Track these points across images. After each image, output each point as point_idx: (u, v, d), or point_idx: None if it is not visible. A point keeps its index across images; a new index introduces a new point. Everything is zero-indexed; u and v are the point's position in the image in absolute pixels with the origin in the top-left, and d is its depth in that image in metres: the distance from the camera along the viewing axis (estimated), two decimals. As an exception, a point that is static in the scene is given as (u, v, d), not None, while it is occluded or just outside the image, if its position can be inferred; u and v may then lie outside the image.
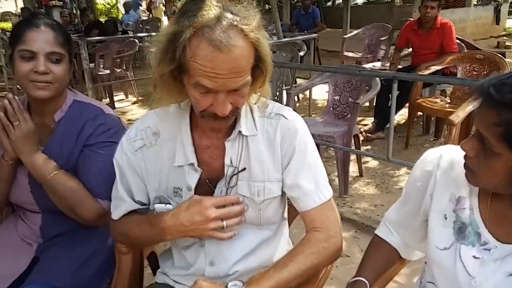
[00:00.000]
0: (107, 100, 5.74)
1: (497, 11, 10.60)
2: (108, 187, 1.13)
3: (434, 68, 3.59)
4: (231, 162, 1.00)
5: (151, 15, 11.81)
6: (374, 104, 4.09)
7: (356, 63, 5.43)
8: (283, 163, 1.02)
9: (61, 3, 11.52)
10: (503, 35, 10.50)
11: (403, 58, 4.52)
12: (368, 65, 5.01)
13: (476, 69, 3.49)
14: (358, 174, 3.23)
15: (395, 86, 2.43)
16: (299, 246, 1.00)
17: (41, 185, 1.20)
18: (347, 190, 2.93)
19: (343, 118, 3.18)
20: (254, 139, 1.01)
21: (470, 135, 0.82)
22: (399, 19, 6.01)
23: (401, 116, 4.35)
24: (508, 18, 11.37)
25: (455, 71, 3.65)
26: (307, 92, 4.29)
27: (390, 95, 3.13)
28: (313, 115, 4.41)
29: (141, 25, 8.94)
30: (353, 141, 2.97)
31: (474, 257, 0.87)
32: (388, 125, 3.18)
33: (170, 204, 1.01)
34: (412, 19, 4.46)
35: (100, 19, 10.79)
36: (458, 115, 2.51)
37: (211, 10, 0.80)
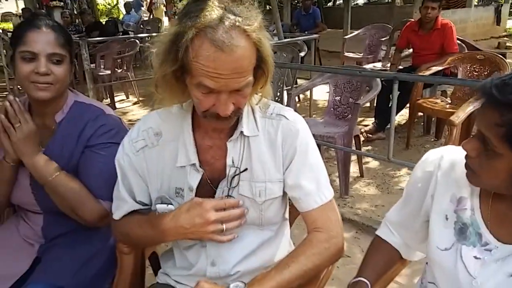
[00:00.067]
0: (108, 100, 5.74)
1: (497, 12, 10.60)
2: (110, 188, 1.13)
3: (434, 69, 3.59)
4: (233, 162, 1.00)
5: (151, 15, 11.81)
6: (375, 104, 4.09)
7: (356, 64, 5.43)
8: (284, 164, 1.02)
9: (62, 3, 11.53)
10: (504, 36, 10.49)
11: (404, 58, 4.53)
12: (368, 66, 5.01)
13: (477, 70, 3.49)
14: (359, 175, 3.23)
15: (396, 86, 2.43)
16: (301, 246, 1.00)
17: (42, 186, 1.20)
18: (347, 191, 2.93)
19: (343, 119, 3.18)
20: (255, 140, 1.01)
21: (471, 136, 0.83)
22: (399, 20, 6.01)
23: (401, 116, 4.35)
24: (508, 19, 11.37)
25: (455, 71, 3.66)
26: (308, 93, 4.29)
27: (390, 96, 3.13)
28: (313, 116, 4.42)
29: (141, 26, 8.94)
30: (353, 141, 2.97)
31: (475, 257, 0.87)
32: (388, 126, 3.19)
33: (172, 204, 1.01)
34: (412, 20, 4.46)
35: (101, 20, 10.80)
36: (459, 116, 2.51)
37: (213, 11, 0.80)
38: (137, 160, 1.04)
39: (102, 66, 5.92)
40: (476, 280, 0.86)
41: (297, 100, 4.67)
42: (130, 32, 8.78)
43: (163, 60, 0.86)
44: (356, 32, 6.05)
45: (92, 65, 5.15)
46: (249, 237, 1.05)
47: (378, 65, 5.10)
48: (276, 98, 3.69)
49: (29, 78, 1.15)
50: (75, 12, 10.56)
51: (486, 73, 3.40)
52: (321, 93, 4.98)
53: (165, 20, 11.23)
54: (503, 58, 3.35)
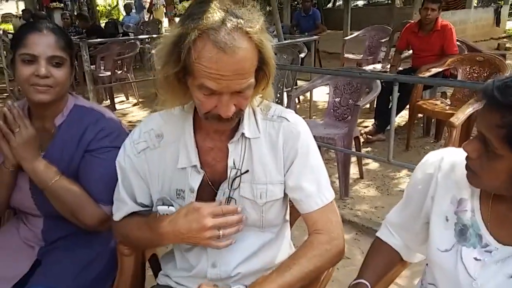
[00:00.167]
0: (108, 102, 5.76)
1: (497, 13, 10.61)
2: (110, 192, 1.13)
3: (434, 70, 3.60)
4: (234, 164, 1.00)
5: (151, 16, 11.82)
6: (375, 106, 4.09)
7: (356, 65, 5.43)
8: (285, 166, 1.02)
9: (62, 5, 11.55)
10: (503, 37, 10.50)
11: (404, 60, 4.53)
12: (368, 67, 5.02)
13: (477, 71, 3.50)
14: (359, 176, 3.23)
15: (396, 88, 2.43)
16: (302, 249, 1.00)
17: (42, 190, 1.19)
18: (347, 192, 2.93)
19: (343, 120, 3.18)
20: (256, 142, 1.01)
21: (471, 137, 0.83)
22: (399, 21, 6.03)
23: (401, 118, 4.35)
24: (508, 20, 11.38)
25: (455, 73, 3.66)
26: (308, 94, 4.29)
27: (390, 97, 3.13)
28: (313, 117, 4.42)
29: (141, 27, 8.95)
30: (353, 143, 2.97)
31: (475, 259, 0.87)
32: (388, 127, 3.19)
33: (172, 206, 1.02)
34: (412, 21, 4.47)
35: (101, 21, 10.81)
36: (459, 117, 2.51)
37: (216, 13, 0.81)
38: (139, 161, 1.05)
39: (102, 68, 5.93)
40: (476, 281, 0.86)
41: (297, 101, 4.67)
42: (130, 33, 8.79)
43: (165, 61, 0.86)
44: (356, 34, 6.07)
45: (92, 67, 5.16)
46: (250, 239, 1.06)
47: (378, 66, 5.11)
48: (276, 100, 3.70)
49: (29, 80, 1.15)
50: (75, 14, 10.57)
51: (485, 74, 3.40)
52: (321, 95, 4.99)
53: (165, 21, 11.23)
54: (503, 60, 3.35)
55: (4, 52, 6.23)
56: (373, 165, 3.47)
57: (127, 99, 6.05)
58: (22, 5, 14.88)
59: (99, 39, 5.98)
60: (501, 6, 10.75)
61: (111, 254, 1.29)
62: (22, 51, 1.14)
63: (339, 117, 3.23)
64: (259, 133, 1.01)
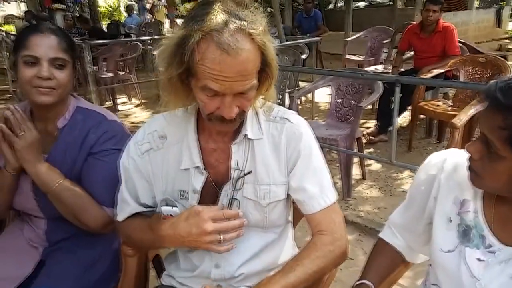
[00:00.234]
0: (110, 103, 5.77)
1: (498, 14, 10.60)
2: (113, 194, 1.14)
3: (436, 72, 3.60)
4: (237, 165, 1.01)
5: (153, 18, 11.85)
6: (377, 107, 4.10)
7: (358, 66, 5.43)
8: (288, 167, 1.03)
9: (64, 6, 11.58)
10: (505, 38, 10.49)
11: (406, 61, 4.53)
12: (370, 68, 5.02)
13: (479, 72, 3.49)
14: (361, 177, 3.23)
15: (398, 89, 2.44)
16: (305, 250, 1.00)
17: (45, 193, 1.20)
18: (350, 193, 2.93)
19: (345, 121, 3.18)
20: (259, 143, 1.02)
21: (473, 138, 0.83)
22: (401, 22, 6.03)
23: (403, 119, 4.35)
24: (509, 21, 11.34)
25: (457, 74, 3.66)
26: (310, 95, 4.29)
27: (392, 98, 3.13)
28: (315, 118, 4.42)
29: (143, 28, 8.97)
30: (356, 144, 2.97)
31: (479, 259, 0.87)
32: (390, 128, 3.19)
33: (176, 206, 1.02)
34: (414, 23, 4.47)
35: (103, 22, 10.83)
36: (461, 118, 2.51)
37: (219, 15, 0.82)
38: (142, 162, 1.05)
39: (104, 69, 5.94)
40: (480, 282, 0.86)
41: (299, 102, 4.68)
42: (131, 34, 8.81)
43: (169, 63, 0.87)
44: (357, 35, 6.06)
45: (95, 68, 5.18)
46: (253, 240, 1.06)
47: (380, 67, 5.10)
48: (278, 101, 3.70)
49: (32, 82, 1.14)
50: (77, 15, 10.60)
51: (487, 75, 3.40)
52: (323, 96, 4.99)
53: (166, 23, 11.25)
54: (505, 61, 3.35)
55: (7, 53, 6.25)
56: (375, 166, 3.47)
57: (130, 100, 6.06)
58: (24, 7, 14.92)
59: (101, 41, 5.99)
60: (503, 7, 10.73)
61: (114, 255, 1.29)
62: (25, 53, 1.14)
63: (341, 118, 3.24)
64: (261, 134, 1.02)
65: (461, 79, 3.53)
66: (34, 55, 1.14)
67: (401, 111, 3.65)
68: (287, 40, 4.94)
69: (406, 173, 3.26)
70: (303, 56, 4.38)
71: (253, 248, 1.06)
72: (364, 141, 3.56)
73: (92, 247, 1.29)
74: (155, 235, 0.99)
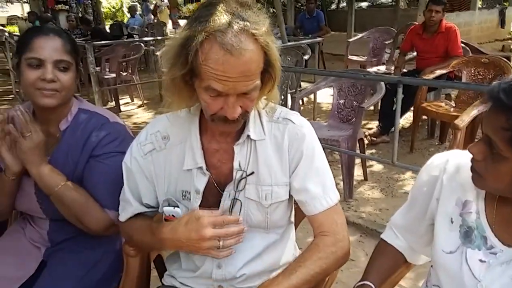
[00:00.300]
0: (113, 103, 5.78)
1: (502, 15, 10.56)
2: (115, 197, 1.14)
3: (439, 72, 3.59)
4: (239, 166, 1.01)
5: (156, 19, 11.87)
6: (379, 108, 4.09)
7: (360, 67, 5.43)
8: (290, 167, 1.03)
9: (67, 7, 11.62)
10: (508, 39, 10.46)
11: (408, 62, 4.53)
12: (372, 69, 5.02)
13: (481, 73, 3.49)
14: (363, 178, 3.23)
15: (400, 90, 2.43)
16: (307, 251, 1.01)
17: (47, 195, 1.19)
18: (352, 194, 2.93)
19: (348, 122, 3.18)
20: (262, 144, 1.02)
21: (475, 139, 0.83)
22: (403, 23, 6.02)
23: (405, 120, 4.35)
24: (513, 22, 11.33)
25: (460, 75, 3.65)
26: (312, 96, 4.30)
27: (394, 99, 3.13)
28: (317, 119, 4.42)
29: (146, 29, 8.99)
30: (358, 145, 2.97)
31: (480, 260, 0.87)
32: (392, 129, 3.19)
33: (178, 207, 1.02)
34: (417, 23, 4.46)
35: (106, 23, 10.85)
36: (463, 120, 2.51)
37: (222, 16, 0.82)
38: (145, 163, 1.06)
39: (107, 69, 5.96)
40: (481, 283, 0.86)
41: (301, 103, 4.68)
42: (134, 35, 8.83)
43: (172, 63, 0.87)
44: (360, 35, 6.06)
45: (98, 68, 5.19)
46: (255, 240, 1.06)
47: (382, 68, 5.11)
48: (280, 101, 3.70)
49: (35, 85, 1.14)
50: (80, 16, 10.63)
51: (490, 76, 3.39)
52: (325, 96, 4.99)
53: (169, 23, 11.27)
54: (508, 62, 3.34)
55: (10, 54, 6.28)
56: (377, 167, 3.47)
57: (132, 100, 6.08)
58: (27, 7, 14.99)
59: (104, 41, 6.01)
60: (506, 8, 10.69)
61: (116, 256, 1.29)
62: (28, 55, 1.13)
63: (343, 119, 3.24)
64: (264, 135, 1.02)
65: (464, 80, 3.53)
66: (38, 57, 1.13)
67: (403, 112, 3.65)
68: (289, 41, 4.94)
69: (408, 174, 3.25)
70: (305, 57, 4.38)
71: (255, 249, 1.06)
72: (366, 142, 3.55)
73: (94, 248, 1.29)
74: (156, 237, 1.00)
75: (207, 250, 0.94)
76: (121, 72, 5.66)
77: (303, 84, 5.09)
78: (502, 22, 10.61)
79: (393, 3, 13.27)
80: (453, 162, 0.95)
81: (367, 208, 2.82)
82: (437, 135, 3.97)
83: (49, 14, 9.56)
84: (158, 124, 1.07)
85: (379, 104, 3.98)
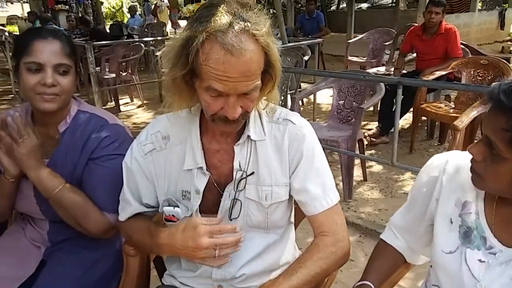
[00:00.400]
0: (113, 103, 5.78)
1: (501, 16, 10.56)
2: (114, 200, 1.14)
3: (438, 73, 3.60)
4: (239, 166, 1.01)
5: (156, 19, 11.87)
6: (378, 108, 4.10)
7: (360, 68, 5.44)
8: (290, 168, 1.03)
9: (67, 7, 11.62)
10: (508, 40, 10.47)
11: (408, 63, 4.53)
12: (372, 70, 5.03)
13: (481, 75, 3.49)
14: (362, 179, 3.23)
15: (400, 91, 2.44)
16: (308, 252, 1.01)
17: (46, 198, 1.19)
18: (351, 195, 2.93)
19: (347, 123, 3.19)
20: (262, 144, 1.02)
21: (475, 141, 0.84)
22: (403, 24, 6.02)
23: (405, 121, 4.35)
24: (512, 23, 11.34)
25: (459, 76, 3.66)
26: (312, 96, 4.30)
27: (394, 100, 3.13)
28: (317, 119, 4.42)
29: (146, 29, 9.00)
30: (357, 145, 2.97)
31: (480, 260, 0.88)
32: (392, 130, 3.19)
33: (178, 207, 1.03)
34: (416, 24, 4.47)
35: (106, 22, 10.84)
36: (463, 121, 2.51)
37: (223, 16, 0.82)
38: (145, 163, 1.06)
39: (107, 70, 5.95)
40: (481, 283, 0.87)
41: (300, 104, 4.68)
42: (134, 35, 8.83)
43: (173, 64, 0.88)
44: (359, 36, 6.06)
45: (97, 68, 5.18)
46: (255, 240, 1.06)
47: (382, 69, 5.11)
48: (280, 102, 3.70)
49: (35, 89, 1.13)
50: (80, 16, 10.64)
51: (489, 78, 3.40)
52: (325, 97, 5.00)
53: (169, 23, 11.28)
54: (507, 63, 3.35)
55: (10, 53, 6.27)
56: (376, 167, 3.47)
57: (132, 101, 6.08)
58: (27, 7, 14.98)
59: (104, 41, 6.01)
60: (506, 9, 10.70)
61: (116, 256, 1.29)
62: (28, 60, 1.12)
63: (343, 120, 3.24)
64: (264, 135, 1.02)
65: (463, 81, 3.53)
66: (38, 62, 1.11)
67: (402, 113, 3.65)
68: (289, 42, 4.94)
69: (407, 175, 3.26)
70: (305, 58, 4.38)
71: (255, 249, 1.07)
72: (365, 142, 3.56)
73: (94, 248, 1.29)
74: (153, 241, 1.01)
75: (203, 259, 0.95)
76: (121, 72, 5.66)
77: (303, 85, 5.09)
78: (501, 24, 10.61)
79: (393, 4, 13.29)
80: (452, 163, 0.95)
81: (367, 208, 2.82)
82: (437, 136, 3.97)
83: (49, 14, 9.56)
84: (159, 124, 1.07)
85: (379, 105, 3.99)
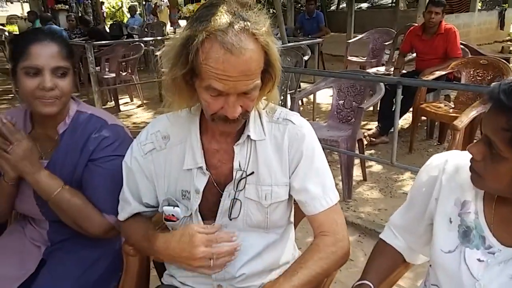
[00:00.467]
0: (112, 103, 5.78)
1: (501, 16, 10.57)
2: (114, 201, 1.14)
3: (438, 73, 3.60)
4: (239, 166, 1.02)
5: (156, 18, 11.87)
6: (378, 108, 4.10)
7: (360, 68, 5.44)
8: (290, 168, 1.03)
9: (67, 7, 11.61)
10: (508, 40, 10.48)
11: (408, 63, 4.53)
12: (372, 70, 5.03)
13: (480, 75, 3.49)
14: (362, 178, 3.24)
15: (399, 91, 2.44)
16: (308, 252, 1.01)
17: (45, 200, 1.19)
18: (351, 194, 2.94)
19: (347, 123, 3.19)
20: (262, 144, 1.02)
21: (474, 140, 0.84)
22: (403, 24, 6.02)
23: (404, 120, 4.35)
24: (512, 23, 11.35)
25: (459, 76, 3.66)
26: (311, 96, 4.30)
27: (394, 100, 3.14)
28: (317, 119, 4.43)
29: (146, 29, 9.00)
30: (357, 145, 2.97)
31: (479, 260, 0.88)
32: (392, 130, 3.20)
33: (178, 206, 1.03)
34: (416, 24, 4.47)
35: (106, 22, 10.84)
36: (462, 120, 2.51)
37: (223, 16, 0.83)
38: (145, 162, 1.06)
39: (107, 69, 5.95)
40: (480, 282, 0.87)
41: (300, 103, 4.68)
42: (134, 35, 8.83)
43: (173, 63, 0.88)
44: (359, 36, 6.07)
45: (97, 68, 5.18)
46: (255, 240, 1.06)
47: (382, 69, 5.11)
48: (280, 102, 3.71)
49: (34, 94, 1.12)
50: (80, 15, 10.63)
51: (489, 77, 3.40)
52: (325, 97, 5.00)
53: (168, 23, 11.28)
54: (506, 63, 3.35)
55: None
56: (376, 167, 3.47)
57: (132, 100, 6.08)
58: (27, 7, 14.97)
59: (104, 41, 6.01)
60: (505, 9, 10.70)
61: (116, 255, 1.29)
62: (25, 64, 1.11)
63: (343, 120, 3.24)
64: (264, 135, 1.02)
65: (463, 81, 3.54)
66: (36, 66, 1.10)
67: (402, 112, 3.65)
68: (289, 42, 4.94)
69: (407, 174, 3.26)
70: (305, 58, 4.39)
71: (254, 249, 1.07)
72: (365, 142, 3.56)
73: (94, 247, 1.29)
74: (150, 245, 1.02)
75: (198, 268, 0.96)
76: (120, 72, 5.67)
77: (303, 85, 5.10)
78: (501, 24, 10.62)
79: (393, 4, 13.30)
80: (452, 163, 0.95)
81: (366, 208, 2.82)
82: (436, 136, 3.98)
83: (49, 14, 9.55)
84: (159, 124, 1.07)
85: (379, 104, 4.00)
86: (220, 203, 1.03)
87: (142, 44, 5.70)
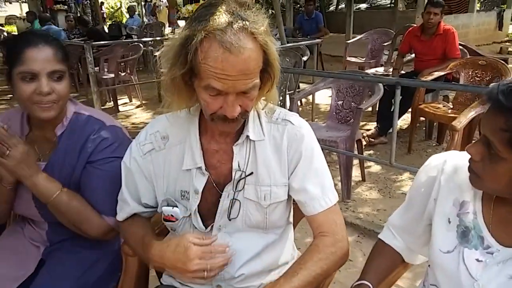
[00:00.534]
0: (111, 103, 5.78)
1: (500, 17, 10.58)
2: (113, 203, 1.14)
3: (436, 74, 3.61)
4: (238, 166, 1.02)
5: (155, 19, 11.87)
6: (377, 109, 4.10)
7: (358, 68, 5.44)
8: (289, 168, 1.03)
9: (66, 7, 11.61)
10: (506, 41, 10.49)
11: (406, 63, 4.54)
12: (371, 70, 5.03)
13: (479, 75, 3.50)
14: (361, 179, 3.24)
15: (398, 91, 2.44)
16: (307, 253, 1.01)
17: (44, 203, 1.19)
18: (349, 195, 2.94)
19: (346, 123, 3.20)
20: (261, 144, 1.02)
21: (473, 141, 0.84)
22: (402, 25, 6.03)
23: (403, 121, 4.36)
24: (511, 24, 11.36)
25: (457, 76, 3.67)
26: (310, 97, 4.30)
27: (392, 101, 3.14)
28: (316, 120, 4.43)
29: (145, 29, 9.00)
30: (356, 146, 2.98)
31: (477, 260, 0.88)
32: (390, 130, 3.20)
33: (177, 207, 1.03)
34: (415, 25, 4.48)
35: (105, 22, 10.83)
36: (461, 121, 2.52)
37: (222, 15, 0.83)
38: (144, 163, 1.06)
39: (105, 70, 5.96)
40: (478, 282, 0.87)
41: (299, 104, 4.68)
42: (133, 35, 8.83)
43: (172, 63, 0.88)
44: (358, 37, 6.07)
45: (96, 69, 5.18)
46: (254, 240, 1.06)
47: (380, 69, 5.12)
48: (279, 102, 3.71)
49: (32, 99, 1.11)
50: (79, 16, 10.62)
51: (488, 78, 3.41)
52: (324, 98, 5.00)
53: (167, 23, 11.29)
54: (505, 64, 3.36)
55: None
56: (375, 168, 3.48)
57: (130, 101, 6.08)
58: (26, 7, 14.96)
59: (103, 42, 6.00)
60: (504, 10, 10.72)
61: (115, 256, 1.30)
62: (21, 69, 1.09)
63: (342, 120, 3.25)
64: (263, 135, 1.03)
65: (461, 81, 3.54)
66: (32, 72, 1.09)
67: (401, 113, 3.66)
68: (288, 42, 4.94)
69: (406, 175, 3.26)
70: (304, 58, 4.39)
71: (253, 249, 1.07)
72: (364, 143, 3.56)
73: (93, 248, 1.29)
74: (145, 252, 1.02)
75: (192, 279, 0.97)
76: (119, 72, 5.67)
77: (302, 85, 5.10)
78: (500, 25, 10.63)
79: (392, 5, 13.31)
80: (450, 163, 0.96)
81: (365, 208, 2.82)
82: (435, 137, 3.98)
83: (47, 14, 9.55)
84: (158, 124, 1.07)
85: (377, 105, 4.00)
86: (219, 203, 1.03)
87: (141, 45, 5.71)
